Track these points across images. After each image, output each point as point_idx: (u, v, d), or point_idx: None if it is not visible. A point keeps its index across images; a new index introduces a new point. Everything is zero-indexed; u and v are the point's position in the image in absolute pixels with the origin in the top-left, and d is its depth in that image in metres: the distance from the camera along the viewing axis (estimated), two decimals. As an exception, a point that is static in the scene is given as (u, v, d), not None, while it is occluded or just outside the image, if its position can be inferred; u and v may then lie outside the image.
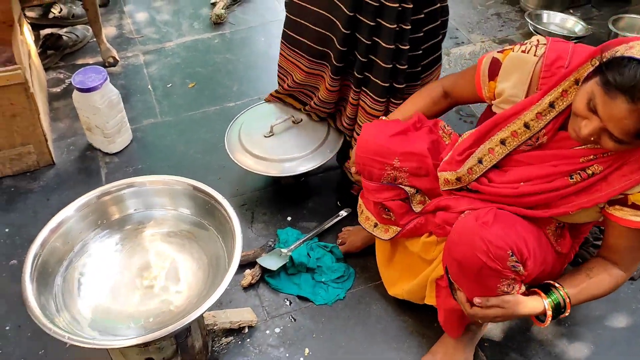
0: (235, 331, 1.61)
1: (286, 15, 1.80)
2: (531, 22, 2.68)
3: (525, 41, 1.32)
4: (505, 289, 1.25)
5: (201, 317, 1.46)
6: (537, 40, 1.29)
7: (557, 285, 1.28)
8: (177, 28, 2.83)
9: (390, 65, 1.62)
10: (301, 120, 1.96)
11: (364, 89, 1.70)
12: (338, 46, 1.66)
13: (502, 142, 1.30)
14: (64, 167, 2.13)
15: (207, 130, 2.26)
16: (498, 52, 1.35)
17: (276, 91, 2.01)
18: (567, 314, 1.28)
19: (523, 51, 1.28)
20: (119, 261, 1.36)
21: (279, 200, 2.00)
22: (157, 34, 2.79)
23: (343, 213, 1.92)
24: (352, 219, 1.88)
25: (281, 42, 1.86)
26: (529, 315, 1.29)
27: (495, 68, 1.34)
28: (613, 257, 1.29)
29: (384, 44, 1.59)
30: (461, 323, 1.48)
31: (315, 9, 1.69)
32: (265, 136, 1.92)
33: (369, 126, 1.52)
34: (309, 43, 1.76)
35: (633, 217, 1.20)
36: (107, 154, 2.17)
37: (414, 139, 1.46)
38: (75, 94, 2.03)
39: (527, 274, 1.27)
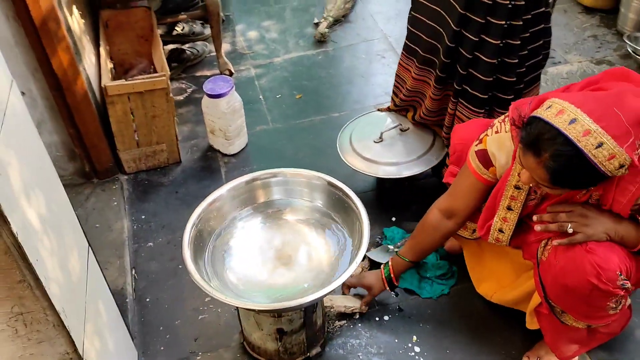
0: (347, 316, 1.76)
1: (407, 28, 2.00)
2: (630, 44, 2.72)
3: (492, 123, 1.44)
4: (614, 305, 1.34)
5: (323, 297, 1.64)
6: (500, 120, 1.41)
7: None
8: (284, 45, 3.07)
9: (491, 79, 1.76)
10: (408, 128, 2.12)
11: (460, 100, 1.85)
12: (442, 57, 1.82)
13: (509, 208, 1.43)
14: (189, 165, 2.38)
15: (314, 137, 2.46)
16: (476, 145, 1.46)
17: (394, 103, 2.17)
18: None
19: (496, 132, 1.40)
20: (260, 239, 1.56)
21: (384, 201, 2.15)
22: (267, 50, 3.04)
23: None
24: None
25: (401, 52, 2.04)
26: (621, 234, 1.30)
27: (485, 157, 1.44)
28: None
29: (485, 58, 1.74)
30: (569, 344, 1.53)
31: (428, 21, 1.88)
32: (375, 141, 2.09)
33: (463, 124, 1.71)
34: (420, 51, 1.94)
35: None
36: (225, 154, 2.40)
37: None
38: (205, 99, 2.28)
39: (634, 287, 1.35)
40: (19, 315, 1.01)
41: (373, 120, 2.19)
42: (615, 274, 1.28)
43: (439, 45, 1.87)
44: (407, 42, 2.02)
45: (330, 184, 1.57)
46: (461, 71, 1.81)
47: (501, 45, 1.72)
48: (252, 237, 1.56)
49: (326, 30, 3.07)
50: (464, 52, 1.78)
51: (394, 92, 2.18)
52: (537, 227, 1.37)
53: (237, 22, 3.28)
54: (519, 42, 1.74)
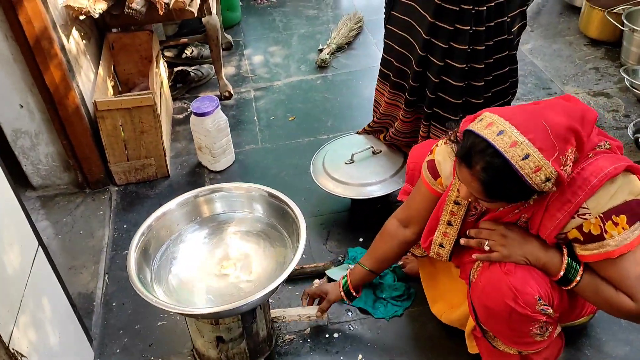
0: (298, 331, 1.79)
1: (382, 55, 2.06)
2: (627, 78, 2.68)
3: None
4: (539, 331, 1.33)
5: (268, 307, 1.68)
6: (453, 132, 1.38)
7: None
8: (286, 69, 3.18)
9: (460, 101, 1.79)
10: (380, 151, 2.16)
11: (433, 122, 1.88)
12: (411, 82, 1.86)
13: (449, 223, 1.44)
14: (176, 180, 2.49)
15: (298, 157, 2.52)
16: (428, 156, 1.50)
17: (369, 125, 2.24)
18: (571, 286, 1.29)
19: (445, 142, 1.39)
20: (204, 250, 1.62)
21: (354, 222, 2.18)
22: (269, 73, 3.16)
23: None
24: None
25: (377, 78, 2.11)
26: (543, 261, 1.30)
27: (433, 168, 1.48)
28: (620, 288, 1.27)
29: (452, 81, 1.77)
30: None
31: (398, 47, 1.93)
32: (346, 163, 2.13)
33: (419, 144, 1.77)
34: (392, 76, 2.01)
35: (597, 250, 1.23)
36: (212, 171, 2.50)
37: None
38: (192, 117, 2.40)
39: (559, 314, 1.33)
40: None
41: (348, 143, 2.24)
42: (533, 298, 1.27)
43: (408, 70, 1.92)
44: (381, 67, 2.08)
45: (270, 194, 1.62)
46: (430, 95, 1.85)
47: (466, 68, 1.76)
48: (197, 249, 1.62)
49: (327, 56, 3.15)
50: (431, 77, 1.83)
51: (373, 114, 2.23)
52: (461, 241, 1.39)
53: (245, 47, 3.41)
54: (482, 66, 1.77)
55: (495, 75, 1.85)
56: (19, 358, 1.28)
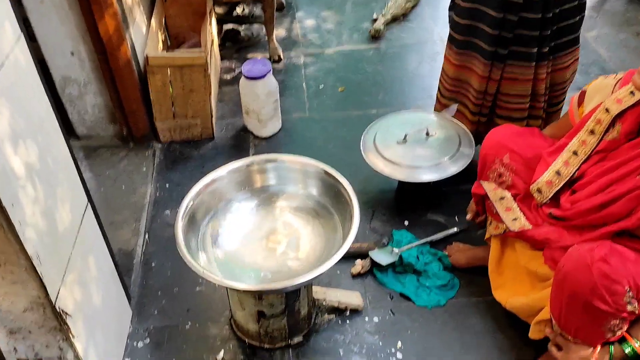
0: (338, 311, 1.76)
1: (450, 17, 2.02)
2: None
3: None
4: (612, 328, 1.26)
5: (311, 287, 1.64)
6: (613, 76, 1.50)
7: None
8: (338, 37, 3.07)
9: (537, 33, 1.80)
10: (435, 134, 2.07)
11: (509, 61, 1.88)
12: (489, 30, 1.83)
13: (575, 152, 1.46)
14: (220, 142, 2.44)
15: (347, 131, 2.45)
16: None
17: (438, 101, 2.18)
18: None
19: (605, 77, 1.51)
20: (252, 222, 1.58)
21: (400, 205, 2.12)
22: (320, 39, 3.05)
23: (457, 229, 1.99)
24: (464, 237, 1.95)
25: (447, 42, 2.05)
26: None
27: (582, 96, 1.56)
28: None
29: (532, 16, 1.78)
30: None
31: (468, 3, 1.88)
32: (398, 143, 2.05)
33: (497, 127, 1.73)
34: (460, 34, 1.95)
35: None
36: (257, 137, 2.44)
37: (532, 144, 1.60)
38: (242, 80, 2.33)
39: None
40: (-5, 253, 1.09)
41: (401, 121, 2.15)
42: (623, 288, 1.21)
43: (481, 23, 1.87)
44: (450, 31, 2.01)
45: (325, 172, 1.56)
46: (508, 35, 1.84)
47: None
48: (246, 220, 1.58)
49: (382, 26, 3.03)
50: (510, 19, 1.81)
51: (438, 87, 2.17)
52: None
53: (298, 9, 3.31)
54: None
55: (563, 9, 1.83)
56: (65, 317, 1.26)
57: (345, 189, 1.53)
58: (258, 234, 1.56)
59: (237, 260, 1.51)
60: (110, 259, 1.61)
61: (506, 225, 1.55)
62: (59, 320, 1.25)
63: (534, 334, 1.53)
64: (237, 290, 1.51)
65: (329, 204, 1.57)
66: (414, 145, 2.04)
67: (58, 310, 1.23)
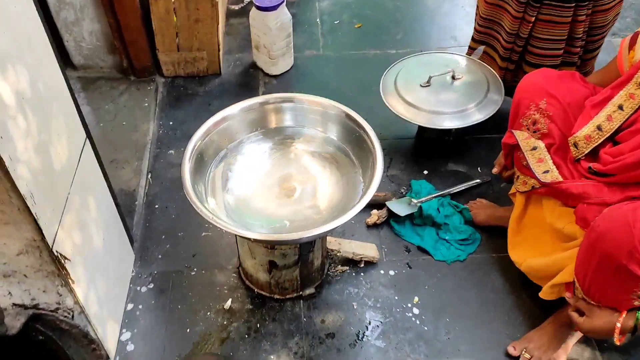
0: (352, 262, 1.66)
1: None
2: None
3: None
4: None
5: (325, 237, 1.54)
6: None
7: None
8: (355, -31, 2.85)
9: None
10: (462, 77, 1.91)
11: (545, 1, 1.71)
12: None
13: (620, 107, 1.31)
14: (228, 79, 2.28)
15: (364, 72, 2.29)
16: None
17: (473, 38, 2.03)
18: None
19: None
20: (266, 165, 1.45)
21: (420, 153, 1.99)
22: (336, -29, 2.83)
23: (479, 180, 1.88)
24: (486, 190, 1.84)
25: None
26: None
27: (634, 39, 1.36)
28: None
29: None
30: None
31: None
32: (421, 85, 1.90)
33: (534, 71, 1.55)
34: None
35: None
36: (267, 74, 2.28)
37: (573, 89, 1.46)
38: (253, 11, 2.15)
39: None
40: (-16, 191, 0.97)
41: (425, 62, 1.99)
42: None
43: None
44: None
45: (347, 115, 1.43)
46: None
47: None
48: (258, 163, 1.45)
49: (403, -41, 2.80)
50: None
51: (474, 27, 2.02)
52: None
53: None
54: None
55: None
56: (63, 261, 1.16)
57: (368, 135, 1.40)
58: (272, 179, 1.44)
59: (249, 206, 1.39)
60: (112, 200, 1.50)
61: (537, 178, 1.43)
62: (56, 265, 1.15)
63: (546, 294, 1.45)
64: (248, 239, 1.41)
65: (349, 150, 1.44)
66: (438, 89, 1.90)
67: (55, 254, 1.13)
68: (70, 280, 1.19)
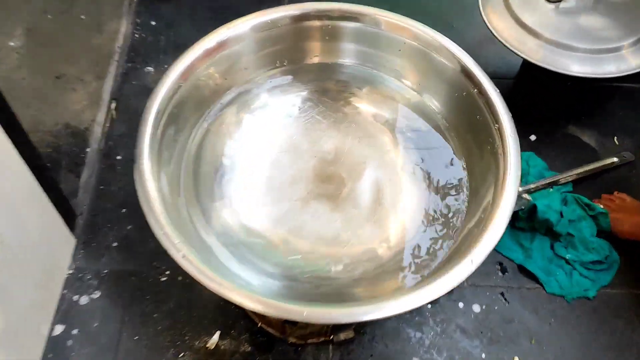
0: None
1: None
2: None
3: None
4: None
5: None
6: None
7: None
8: None
9: None
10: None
11: None
12: None
13: None
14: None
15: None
16: None
17: None
18: None
19: None
20: (293, 137, 0.79)
21: (525, 104, 1.31)
22: None
23: (616, 160, 1.21)
24: (627, 176, 1.19)
25: None
26: None
27: None
28: None
29: None
30: None
31: None
32: (549, 1, 1.18)
33: None
34: None
35: None
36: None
37: None
38: None
39: None
40: None
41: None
42: None
43: None
44: None
45: (463, 69, 0.74)
46: None
47: None
48: (281, 135, 0.78)
49: None
50: None
51: None
52: None
53: None
54: None
55: None
56: None
57: (489, 97, 0.73)
58: (303, 167, 0.78)
59: (257, 215, 0.75)
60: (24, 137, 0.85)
61: None
62: None
63: None
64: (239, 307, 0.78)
65: (455, 122, 0.78)
66: (575, 12, 1.18)
67: None
68: None
